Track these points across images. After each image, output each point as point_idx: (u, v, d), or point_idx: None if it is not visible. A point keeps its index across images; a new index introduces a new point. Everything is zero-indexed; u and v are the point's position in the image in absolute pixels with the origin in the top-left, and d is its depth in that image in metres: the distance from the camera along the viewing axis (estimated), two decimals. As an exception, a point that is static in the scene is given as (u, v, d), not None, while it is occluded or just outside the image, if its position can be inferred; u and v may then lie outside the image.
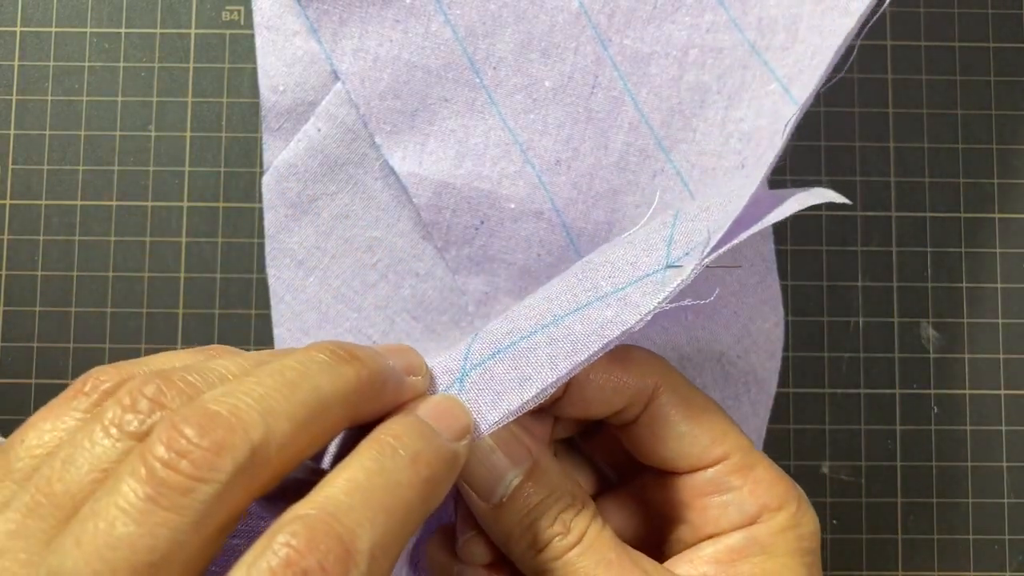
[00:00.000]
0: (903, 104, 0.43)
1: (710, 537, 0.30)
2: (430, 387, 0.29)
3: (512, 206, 0.40)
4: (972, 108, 0.43)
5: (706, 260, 0.29)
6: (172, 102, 0.42)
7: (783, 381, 0.41)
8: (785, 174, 0.42)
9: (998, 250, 0.42)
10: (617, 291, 0.30)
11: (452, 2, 0.40)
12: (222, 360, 0.24)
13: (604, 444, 0.35)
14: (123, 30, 0.42)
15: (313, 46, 0.40)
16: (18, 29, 0.42)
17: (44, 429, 0.23)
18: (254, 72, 0.42)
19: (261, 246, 0.41)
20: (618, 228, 0.40)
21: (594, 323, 0.29)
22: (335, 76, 0.40)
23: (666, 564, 0.30)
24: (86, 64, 0.42)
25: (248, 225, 0.42)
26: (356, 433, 0.26)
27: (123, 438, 0.22)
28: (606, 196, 0.40)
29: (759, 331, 0.40)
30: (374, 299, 0.41)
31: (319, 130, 0.40)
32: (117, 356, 0.41)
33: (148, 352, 0.41)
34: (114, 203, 0.42)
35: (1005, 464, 0.42)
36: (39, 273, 0.41)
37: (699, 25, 0.40)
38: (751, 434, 0.40)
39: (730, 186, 0.34)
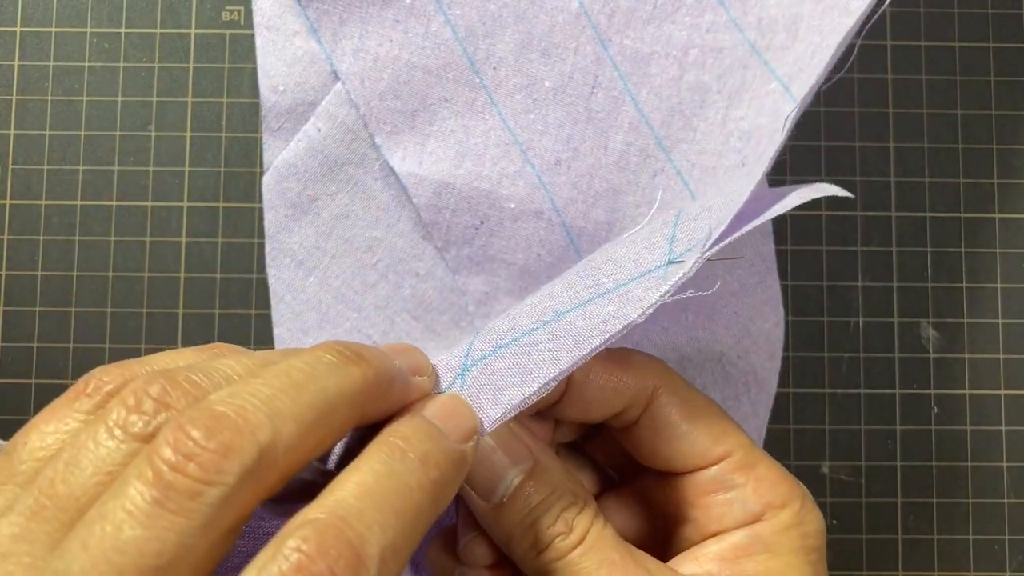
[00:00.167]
0: (903, 104, 0.43)
1: (714, 535, 0.30)
2: (435, 386, 0.29)
3: (512, 206, 0.40)
4: (972, 108, 0.43)
5: (707, 253, 0.29)
6: (172, 102, 0.42)
7: (783, 381, 0.41)
8: (785, 174, 0.42)
9: (998, 250, 0.42)
10: (619, 287, 0.30)
11: (452, 2, 0.40)
12: (227, 360, 0.24)
13: (605, 445, 0.35)
14: (123, 30, 0.42)
15: (313, 46, 0.40)
16: (18, 29, 0.42)
17: (47, 431, 0.23)
18: (254, 72, 0.42)
19: (261, 246, 0.41)
20: (618, 228, 0.40)
21: (596, 318, 0.29)
22: (335, 76, 0.40)
23: (670, 563, 0.30)
24: (86, 64, 0.42)
25: (248, 225, 0.42)
26: (363, 434, 0.26)
27: (127, 439, 0.22)
28: (606, 196, 0.40)
29: (759, 331, 0.40)
30: (374, 299, 0.41)
31: (319, 130, 0.40)
32: (117, 356, 0.41)
33: (148, 352, 0.41)
34: (114, 203, 0.42)
35: (1005, 464, 0.42)
36: (39, 273, 0.41)
37: (699, 25, 0.40)
38: (751, 434, 0.39)
39: (731, 186, 0.34)
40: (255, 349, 0.39)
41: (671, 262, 0.29)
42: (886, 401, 0.42)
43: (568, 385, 0.30)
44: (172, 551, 0.19)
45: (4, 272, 0.41)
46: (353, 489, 0.22)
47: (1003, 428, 0.42)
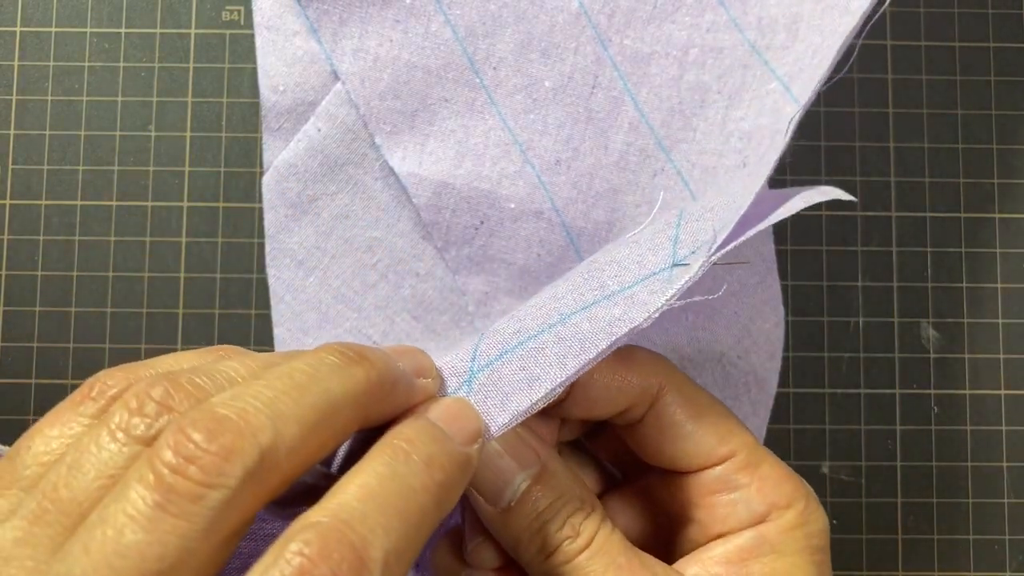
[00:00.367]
0: (903, 104, 0.43)
1: (719, 536, 0.30)
2: (439, 389, 0.29)
3: (512, 206, 0.40)
4: (972, 108, 0.43)
5: (713, 257, 0.29)
6: (172, 102, 0.42)
7: (783, 381, 0.41)
8: (785, 174, 0.42)
9: (998, 250, 0.42)
10: (624, 290, 0.30)
11: (452, 2, 0.40)
12: (230, 362, 0.24)
13: (608, 443, 0.35)
14: (123, 30, 0.42)
15: (313, 46, 0.40)
16: (18, 29, 0.42)
17: (51, 435, 0.23)
18: (254, 72, 0.42)
19: (261, 246, 0.41)
20: (618, 227, 0.40)
21: (602, 321, 0.29)
22: (335, 76, 0.40)
23: (675, 565, 0.30)
24: (86, 64, 0.42)
25: (248, 225, 0.42)
26: (366, 436, 0.26)
27: (130, 443, 0.21)
28: (606, 196, 0.40)
29: (759, 331, 0.40)
30: (374, 299, 0.41)
31: (319, 130, 0.40)
32: (117, 356, 0.41)
33: (148, 352, 0.41)
34: (114, 203, 0.42)
35: (1005, 464, 0.42)
36: (39, 273, 0.41)
37: (699, 25, 0.40)
38: (751, 434, 0.40)
39: (733, 186, 0.34)
40: (255, 349, 0.39)
41: (675, 264, 0.29)
42: (886, 401, 0.42)
43: (572, 384, 0.30)
44: (174, 555, 0.19)
45: (4, 272, 0.41)
46: (356, 492, 0.22)
47: (1003, 428, 0.42)
